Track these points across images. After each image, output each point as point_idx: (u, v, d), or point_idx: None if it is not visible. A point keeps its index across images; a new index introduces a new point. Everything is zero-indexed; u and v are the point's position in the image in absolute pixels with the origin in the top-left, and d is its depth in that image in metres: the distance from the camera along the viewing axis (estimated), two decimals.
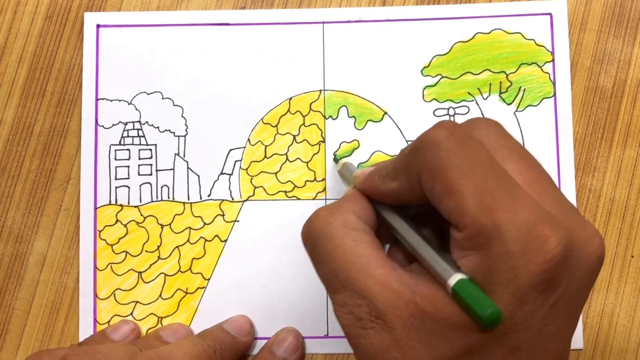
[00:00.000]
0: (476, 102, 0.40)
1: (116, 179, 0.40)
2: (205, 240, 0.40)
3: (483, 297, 0.23)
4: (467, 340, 0.23)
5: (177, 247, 0.40)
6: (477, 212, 0.23)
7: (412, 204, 0.28)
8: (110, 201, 0.40)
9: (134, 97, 0.41)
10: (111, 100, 0.41)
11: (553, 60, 0.40)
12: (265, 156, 0.40)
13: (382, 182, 0.28)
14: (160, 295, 0.40)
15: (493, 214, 0.23)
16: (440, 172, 0.24)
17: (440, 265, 0.25)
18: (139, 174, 0.40)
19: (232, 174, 0.40)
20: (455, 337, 0.24)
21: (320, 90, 0.41)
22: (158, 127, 0.41)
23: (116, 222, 0.40)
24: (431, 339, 0.24)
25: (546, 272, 0.22)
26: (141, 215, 0.40)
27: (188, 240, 0.40)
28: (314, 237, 0.27)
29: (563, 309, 0.24)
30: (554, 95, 0.40)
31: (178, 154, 0.40)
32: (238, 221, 0.40)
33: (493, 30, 0.41)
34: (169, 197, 0.40)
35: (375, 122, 0.40)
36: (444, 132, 0.25)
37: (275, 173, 0.40)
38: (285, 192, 0.40)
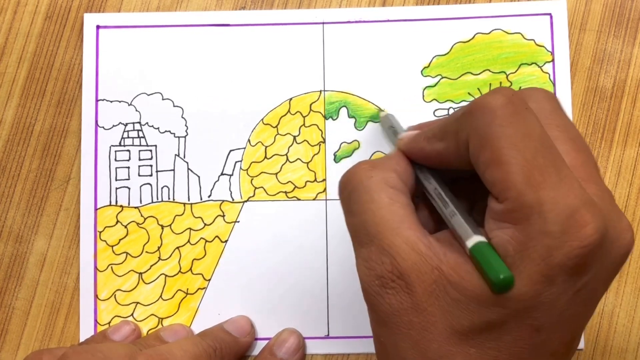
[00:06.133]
0: None
1: (116, 180, 0.40)
2: (206, 241, 0.40)
3: (500, 262, 0.23)
4: (489, 314, 0.23)
5: (177, 247, 0.40)
6: (522, 186, 0.23)
7: (448, 172, 0.28)
8: (110, 202, 0.40)
9: (134, 98, 0.41)
10: (111, 102, 0.41)
11: (553, 60, 0.40)
12: (265, 157, 0.40)
13: (428, 143, 0.27)
14: (160, 296, 0.40)
15: (538, 190, 0.23)
16: (490, 140, 0.23)
17: (464, 226, 0.25)
18: (139, 175, 0.40)
19: (232, 174, 0.40)
20: (477, 310, 0.23)
21: (320, 91, 0.41)
22: (158, 128, 0.41)
23: (116, 223, 0.40)
24: (452, 309, 0.24)
25: (580, 257, 0.22)
26: (141, 216, 0.40)
27: (188, 241, 0.40)
28: (352, 187, 0.27)
29: (585, 296, 0.24)
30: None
31: (178, 155, 0.40)
32: (238, 222, 0.40)
33: (493, 30, 0.41)
34: (169, 198, 0.40)
35: (375, 122, 0.40)
36: (501, 99, 0.24)
37: (276, 174, 0.40)
38: (285, 192, 0.40)
